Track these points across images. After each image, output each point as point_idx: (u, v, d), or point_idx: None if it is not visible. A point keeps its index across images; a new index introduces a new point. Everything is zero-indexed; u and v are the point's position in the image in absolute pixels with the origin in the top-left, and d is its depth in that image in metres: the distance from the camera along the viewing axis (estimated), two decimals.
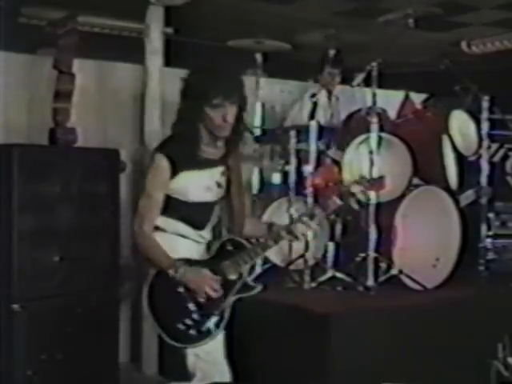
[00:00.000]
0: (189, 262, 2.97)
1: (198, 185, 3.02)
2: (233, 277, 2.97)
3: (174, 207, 3.02)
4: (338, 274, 3.79)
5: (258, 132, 4.45)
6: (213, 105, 2.90)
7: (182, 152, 2.95)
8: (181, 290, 2.93)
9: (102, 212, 3.65)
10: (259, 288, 3.01)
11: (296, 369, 3.31)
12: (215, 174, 3.06)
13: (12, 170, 3.30)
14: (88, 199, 3.57)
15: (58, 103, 3.65)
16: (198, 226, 3.08)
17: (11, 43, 4.01)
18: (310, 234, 3.36)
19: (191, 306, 2.92)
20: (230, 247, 3.04)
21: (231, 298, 2.97)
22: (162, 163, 2.94)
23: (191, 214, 3.05)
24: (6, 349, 3.32)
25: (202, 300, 2.92)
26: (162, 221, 3.03)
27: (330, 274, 3.81)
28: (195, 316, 2.92)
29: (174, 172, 2.95)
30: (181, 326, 2.90)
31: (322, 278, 3.79)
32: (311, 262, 3.83)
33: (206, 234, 3.13)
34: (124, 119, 4.58)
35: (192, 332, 2.90)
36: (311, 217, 3.05)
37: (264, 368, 3.34)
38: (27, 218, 3.33)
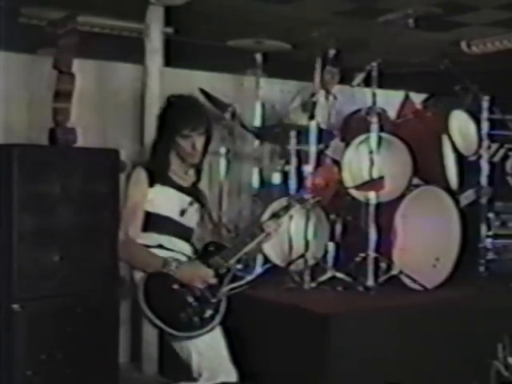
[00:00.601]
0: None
1: (170, 199, 3.37)
2: (222, 271, 3.21)
3: (155, 223, 3.33)
4: (338, 274, 3.79)
5: (257, 123, 4.45)
6: (182, 135, 3.34)
7: (157, 169, 3.37)
8: (175, 287, 3.11)
9: (102, 212, 3.63)
10: (248, 278, 3.28)
11: (296, 369, 3.31)
12: (184, 199, 3.41)
13: (12, 170, 3.28)
14: (88, 199, 3.56)
15: (57, 103, 3.64)
16: (181, 238, 3.39)
17: (11, 43, 4.01)
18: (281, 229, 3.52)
19: (189, 299, 3.10)
20: (212, 248, 3.34)
21: (225, 288, 3.17)
22: (141, 173, 3.35)
23: (173, 229, 3.35)
24: (5, 349, 3.32)
25: (197, 292, 3.12)
26: (145, 237, 3.33)
27: (329, 274, 3.81)
28: (195, 305, 3.09)
29: (151, 183, 3.33)
30: (183, 316, 3.05)
31: (322, 278, 3.79)
32: (311, 262, 3.83)
33: (189, 248, 3.41)
34: (124, 119, 4.57)
35: (195, 319, 3.06)
36: (286, 209, 3.41)
37: (264, 368, 3.34)
38: (27, 218, 3.32)
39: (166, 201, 3.36)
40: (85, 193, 3.54)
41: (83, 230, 3.53)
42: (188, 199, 3.41)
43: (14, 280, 3.30)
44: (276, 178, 4.30)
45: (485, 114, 4.19)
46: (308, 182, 3.85)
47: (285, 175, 4.14)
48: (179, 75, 4.77)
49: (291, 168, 3.96)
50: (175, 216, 3.36)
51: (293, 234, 3.88)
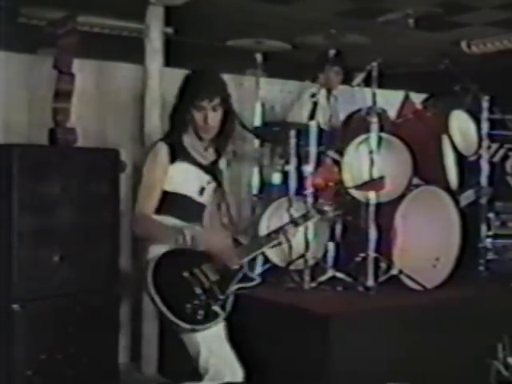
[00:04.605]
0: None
1: (189, 177, 3.22)
2: (234, 267, 3.11)
3: (171, 203, 3.19)
4: (338, 274, 3.79)
5: (257, 123, 4.44)
6: (196, 106, 3.19)
7: (176, 144, 3.21)
8: (186, 274, 3.00)
9: (102, 212, 3.65)
10: (258, 280, 3.16)
11: (296, 369, 3.31)
12: (203, 177, 3.26)
13: (12, 170, 3.29)
14: (88, 199, 3.57)
15: (57, 103, 3.65)
16: (196, 221, 3.23)
17: (11, 43, 4.01)
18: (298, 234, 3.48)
19: (197, 290, 3.00)
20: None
21: (234, 286, 3.09)
22: (162, 148, 3.18)
23: (189, 210, 3.22)
24: (5, 349, 3.32)
25: (206, 284, 3.02)
26: (159, 219, 3.17)
27: (330, 273, 3.80)
28: (202, 298, 2.99)
29: (173, 159, 3.17)
30: (188, 307, 2.95)
31: (322, 278, 3.79)
32: (311, 262, 3.83)
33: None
34: (124, 119, 4.57)
35: (200, 312, 2.97)
36: (305, 218, 3.32)
37: (263, 368, 3.34)
38: (27, 218, 3.33)
39: (184, 178, 3.23)
40: (85, 193, 3.55)
41: (83, 230, 3.54)
42: (207, 177, 3.28)
43: (14, 280, 3.30)
44: (276, 178, 4.30)
45: (485, 114, 4.19)
46: (308, 182, 3.86)
47: (285, 175, 4.13)
48: (179, 75, 4.76)
49: (291, 168, 3.96)
50: (193, 195, 3.25)
51: None
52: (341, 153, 3.99)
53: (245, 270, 3.15)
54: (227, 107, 3.27)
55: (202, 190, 3.26)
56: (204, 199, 3.29)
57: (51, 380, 3.41)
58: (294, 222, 3.31)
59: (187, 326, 2.96)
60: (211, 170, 3.31)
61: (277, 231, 3.25)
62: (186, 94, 3.24)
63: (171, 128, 3.30)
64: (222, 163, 3.37)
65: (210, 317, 3.00)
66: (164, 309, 2.92)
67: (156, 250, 3.09)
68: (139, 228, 3.18)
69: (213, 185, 3.32)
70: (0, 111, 4.03)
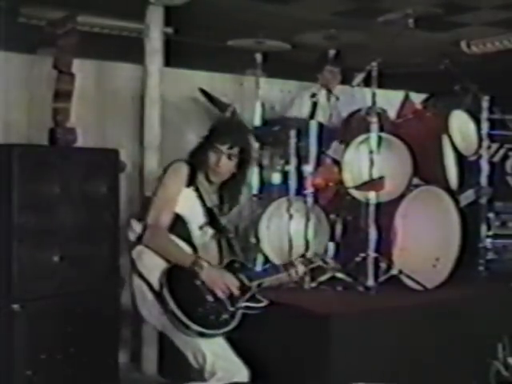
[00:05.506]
0: None
1: (193, 209, 3.25)
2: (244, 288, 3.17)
3: (177, 228, 3.21)
4: (338, 274, 3.79)
5: (257, 123, 4.45)
6: (213, 147, 3.25)
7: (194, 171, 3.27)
8: (198, 282, 3.06)
9: (102, 212, 3.65)
10: (266, 302, 3.20)
11: (296, 369, 3.31)
12: (200, 219, 3.27)
13: (12, 170, 3.29)
14: (88, 199, 3.57)
15: (57, 103, 3.65)
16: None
17: (11, 43, 4.01)
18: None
19: (209, 298, 3.05)
20: (237, 265, 3.26)
21: (243, 303, 3.12)
22: (183, 167, 3.23)
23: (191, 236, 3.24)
24: (5, 349, 3.32)
25: (218, 294, 3.07)
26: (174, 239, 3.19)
27: (329, 273, 3.81)
28: (214, 305, 3.05)
29: (190, 181, 3.23)
30: (201, 311, 3.00)
31: (322, 278, 3.79)
32: None
33: None
34: (123, 119, 4.58)
35: (211, 317, 3.01)
36: (311, 263, 3.48)
37: (263, 368, 3.34)
38: (27, 218, 3.33)
39: (191, 207, 3.26)
40: (85, 193, 3.56)
41: (83, 230, 3.54)
42: (204, 219, 3.30)
43: (14, 280, 3.31)
44: (276, 178, 4.30)
45: (485, 114, 4.19)
46: (308, 182, 3.87)
47: (285, 175, 4.14)
48: (179, 75, 4.78)
49: (291, 168, 3.96)
50: (193, 228, 3.27)
51: (293, 234, 3.87)
52: (346, 143, 4.00)
53: (254, 291, 3.19)
54: (244, 158, 3.32)
55: (200, 228, 3.28)
56: (198, 240, 3.27)
57: (51, 380, 3.41)
58: (303, 263, 3.41)
59: (198, 329, 2.97)
60: (210, 214, 3.32)
61: (286, 265, 3.36)
62: (212, 136, 3.31)
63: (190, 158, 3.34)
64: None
65: (221, 324, 3.03)
66: (177, 311, 2.94)
67: (157, 261, 3.11)
68: (151, 240, 3.16)
69: (208, 229, 3.32)
70: (0, 111, 4.03)
